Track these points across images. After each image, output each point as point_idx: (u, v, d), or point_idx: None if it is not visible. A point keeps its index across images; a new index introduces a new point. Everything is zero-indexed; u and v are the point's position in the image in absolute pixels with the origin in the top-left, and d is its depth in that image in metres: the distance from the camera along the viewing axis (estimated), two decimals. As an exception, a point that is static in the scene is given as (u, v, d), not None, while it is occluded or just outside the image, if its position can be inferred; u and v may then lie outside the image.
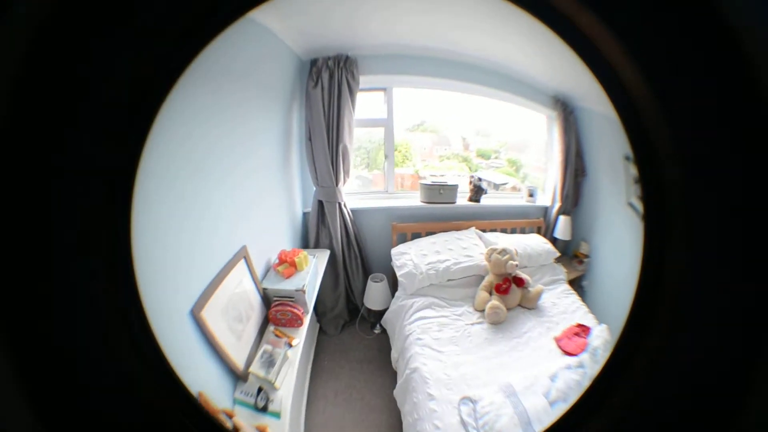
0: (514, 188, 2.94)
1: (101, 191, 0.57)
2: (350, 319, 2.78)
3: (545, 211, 2.78)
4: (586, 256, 2.65)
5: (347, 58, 2.25)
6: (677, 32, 0.58)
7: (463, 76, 2.47)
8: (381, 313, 2.59)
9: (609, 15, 0.60)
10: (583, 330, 2.21)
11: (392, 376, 2.28)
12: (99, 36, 0.53)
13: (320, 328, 2.65)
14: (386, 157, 2.64)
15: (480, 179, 2.52)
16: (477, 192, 2.54)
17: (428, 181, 2.59)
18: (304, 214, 2.61)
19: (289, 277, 1.87)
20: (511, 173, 2.96)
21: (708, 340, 0.63)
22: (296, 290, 1.83)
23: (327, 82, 2.24)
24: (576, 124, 2.53)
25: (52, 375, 0.58)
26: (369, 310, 2.67)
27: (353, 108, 2.35)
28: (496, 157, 2.95)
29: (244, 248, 1.60)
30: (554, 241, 2.73)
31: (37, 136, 0.53)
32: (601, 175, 2.52)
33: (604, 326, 2.19)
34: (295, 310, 1.70)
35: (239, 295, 1.58)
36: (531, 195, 2.75)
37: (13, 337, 0.56)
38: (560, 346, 2.18)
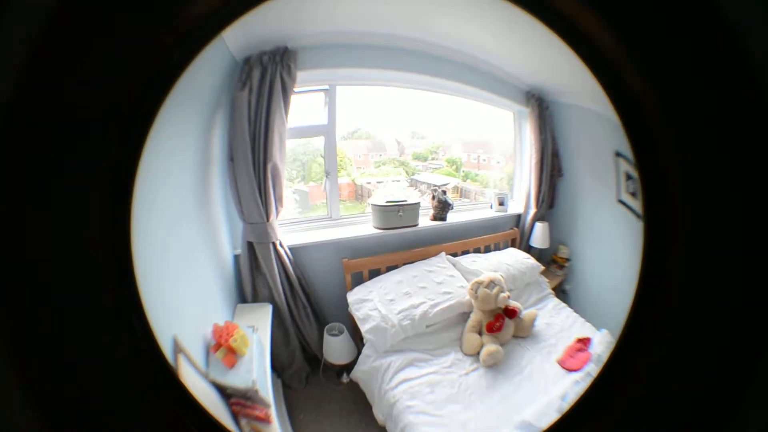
0: (456, 188, 2.95)
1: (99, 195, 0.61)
2: (313, 369, 2.53)
3: (518, 219, 2.76)
4: (567, 260, 2.68)
5: (286, 50, 1.97)
6: (679, 32, 0.62)
7: (427, 69, 2.33)
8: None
9: (610, 15, 0.65)
10: (584, 343, 2.25)
11: (380, 429, 2.12)
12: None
13: (283, 382, 2.42)
14: (327, 174, 2.33)
15: (444, 192, 2.33)
16: (442, 208, 2.36)
17: (383, 202, 2.32)
18: (235, 258, 2.25)
19: (232, 366, 1.60)
20: (451, 173, 2.95)
21: (707, 339, 0.67)
22: (246, 388, 1.57)
23: (257, 82, 1.94)
24: (551, 120, 2.53)
25: (52, 376, 0.61)
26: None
27: (286, 114, 2.07)
28: (433, 158, 2.92)
29: (175, 340, 1.29)
30: (528, 249, 2.74)
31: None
32: (581, 174, 2.54)
33: (604, 331, 2.23)
34: (257, 412, 1.39)
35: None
36: (501, 203, 2.71)
37: (13, 339, 0.59)
38: (565, 367, 2.18)
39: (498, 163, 2.93)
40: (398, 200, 2.38)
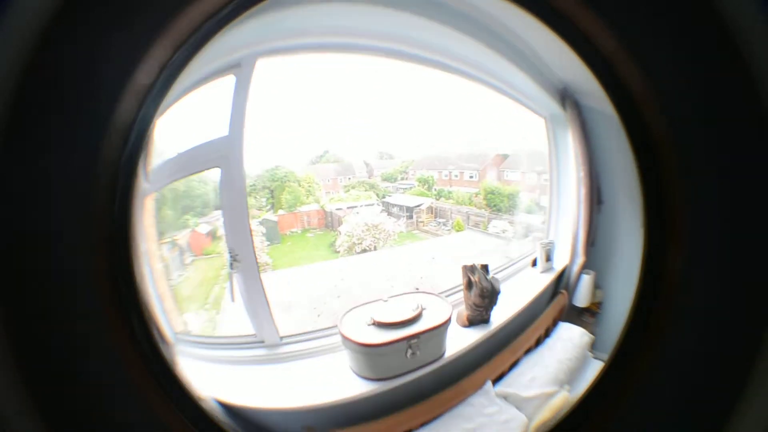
0: (430, 208, 2.20)
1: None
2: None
3: (562, 273, 1.49)
4: (599, 305, 1.57)
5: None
6: (678, 33, 0.54)
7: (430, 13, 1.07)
8: None
9: (609, 15, 0.56)
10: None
11: None
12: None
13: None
14: (233, 260, 0.81)
15: (486, 268, 0.89)
16: (488, 304, 0.91)
17: (373, 336, 0.88)
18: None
19: None
20: (423, 192, 2.22)
21: (706, 341, 0.58)
22: None
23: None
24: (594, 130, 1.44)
25: (54, 378, 0.52)
26: None
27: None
28: (403, 178, 2.21)
29: None
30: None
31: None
32: (618, 200, 1.48)
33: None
34: None
35: None
36: (549, 258, 1.46)
37: (13, 339, 0.51)
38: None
39: (471, 177, 2.13)
40: (402, 320, 0.90)
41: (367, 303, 1.03)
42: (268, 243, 1.79)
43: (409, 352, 0.96)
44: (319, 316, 2.09)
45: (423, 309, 1.03)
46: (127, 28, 0.50)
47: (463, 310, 1.13)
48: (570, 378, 1.28)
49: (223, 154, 0.93)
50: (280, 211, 1.96)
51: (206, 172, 0.97)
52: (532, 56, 1.32)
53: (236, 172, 0.93)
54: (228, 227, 0.93)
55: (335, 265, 2.11)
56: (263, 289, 1.01)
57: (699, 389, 0.57)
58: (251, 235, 0.97)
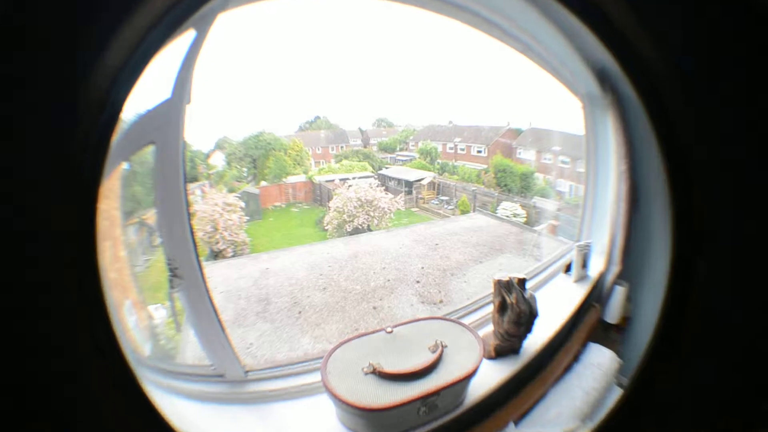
0: (432, 184, 2.05)
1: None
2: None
3: (596, 283, 1.23)
4: (627, 319, 1.33)
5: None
6: (714, 30, 0.45)
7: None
8: None
9: (641, 7, 0.47)
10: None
11: None
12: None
13: None
14: (173, 276, 0.47)
15: (523, 283, 0.58)
16: (522, 333, 0.61)
17: (363, 390, 0.57)
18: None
19: None
20: (425, 166, 2.18)
21: (736, 340, 0.50)
22: None
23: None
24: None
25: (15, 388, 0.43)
26: None
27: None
28: (402, 149, 2.28)
29: None
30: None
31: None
32: (652, 201, 1.19)
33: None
34: None
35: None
36: (585, 264, 1.20)
37: None
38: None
39: (479, 152, 2.06)
40: (415, 371, 0.59)
41: (363, 335, 0.76)
42: (248, 219, 1.51)
43: (423, 410, 0.68)
44: (300, 313, 1.76)
45: (444, 347, 0.74)
46: (97, 10, 0.41)
47: (489, 336, 0.86)
48: (593, 411, 1.03)
49: (160, 124, 0.62)
50: (263, 183, 1.72)
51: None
52: (570, 25, 1.05)
53: (173, 147, 0.62)
54: (162, 227, 0.63)
55: (322, 249, 1.79)
56: (216, 313, 0.70)
57: (727, 410, 0.51)
58: (193, 239, 0.68)
